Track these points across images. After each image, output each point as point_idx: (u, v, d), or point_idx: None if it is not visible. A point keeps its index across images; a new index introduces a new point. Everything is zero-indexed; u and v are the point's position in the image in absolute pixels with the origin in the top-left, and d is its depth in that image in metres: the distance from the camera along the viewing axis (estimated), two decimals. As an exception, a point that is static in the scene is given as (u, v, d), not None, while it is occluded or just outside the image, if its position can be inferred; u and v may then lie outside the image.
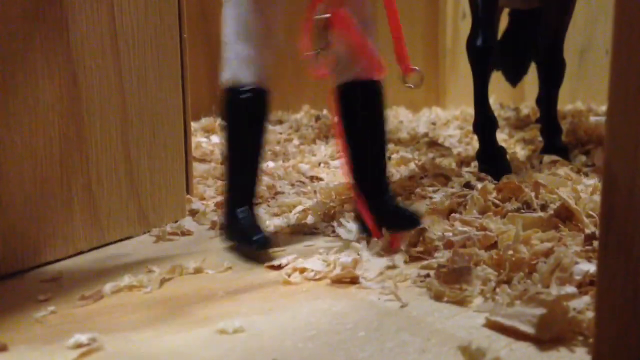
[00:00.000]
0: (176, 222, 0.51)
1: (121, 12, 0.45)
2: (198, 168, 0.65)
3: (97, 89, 0.44)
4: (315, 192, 0.57)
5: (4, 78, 0.38)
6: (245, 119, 0.43)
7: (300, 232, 0.48)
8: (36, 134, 0.40)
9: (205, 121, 0.94)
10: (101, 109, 0.45)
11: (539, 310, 0.30)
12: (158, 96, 0.49)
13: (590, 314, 0.30)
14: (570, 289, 0.31)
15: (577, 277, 0.33)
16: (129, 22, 0.46)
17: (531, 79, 0.93)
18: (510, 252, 0.38)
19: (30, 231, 0.40)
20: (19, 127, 0.39)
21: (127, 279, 0.37)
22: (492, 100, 1.12)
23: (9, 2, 0.38)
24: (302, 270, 0.39)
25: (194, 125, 0.88)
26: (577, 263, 0.34)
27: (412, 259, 0.41)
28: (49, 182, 0.41)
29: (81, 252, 0.44)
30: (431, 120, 1.05)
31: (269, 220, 0.50)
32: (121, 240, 0.47)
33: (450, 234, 0.43)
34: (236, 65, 0.42)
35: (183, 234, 0.49)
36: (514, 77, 0.92)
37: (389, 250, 0.41)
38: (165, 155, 0.50)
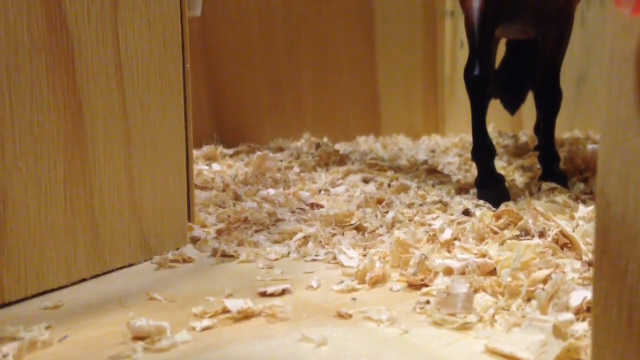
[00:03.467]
0: (177, 249, 0.51)
1: (126, 42, 0.46)
2: (199, 195, 0.66)
3: (101, 117, 0.45)
4: (315, 219, 0.58)
5: (12, 107, 0.39)
6: None
7: (301, 259, 0.49)
8: (41, 160, 0.41)
9: (206, 149, 0.95)
10: (105, 137, 0.45)
11: (538, 337, 0.30)
12: (161, 124, 0.50)
13: (588, 340, 0.30)
14: (568, 315, 0.31)
15: (575, 304, 0.33)
16: (134, 53, 0.47)
17: (529, 107, 0.95)
18: (509, 279, 0.38)
19: (34, 257, 0.41)
20: (25, 154, 0.40)
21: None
22: (491, 128, 1.14)
23: (18, 34, 0.39)
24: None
25: (195, 152, 0.89)
26: (574, 290, 0.34)
27: (412, 286, 0.42)
28: (53, 208, 0.42)
29: (83, 280, 0.44)
30: (430, 147, 1.06)
31: (270, 247, 0.51)
32: (122, 267, 0.47)
33: (450, 260, 0.43)
34: None
35: (184, 261, 0.49)
36: (512, 105, 0.93)
37: None
38: (167, 182, 0.51)
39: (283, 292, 0.41)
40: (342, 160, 0.90)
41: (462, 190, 0.69)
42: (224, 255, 0.49)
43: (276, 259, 0.49)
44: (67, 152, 0.42)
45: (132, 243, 0.48)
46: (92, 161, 0.44)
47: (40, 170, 0.41)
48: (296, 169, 0.84)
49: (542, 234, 0.47)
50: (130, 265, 0.47)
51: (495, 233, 0.48)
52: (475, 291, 0.38)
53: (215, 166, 0.86)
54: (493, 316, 0.35)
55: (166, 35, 0.50)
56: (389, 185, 0.72)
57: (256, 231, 0.56)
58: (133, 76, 0.47)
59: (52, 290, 0.42)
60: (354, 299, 0.40)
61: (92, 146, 0.44)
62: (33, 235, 0.40)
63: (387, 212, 0.58)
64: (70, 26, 0.42)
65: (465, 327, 0.34)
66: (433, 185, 0.71)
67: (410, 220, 0.55)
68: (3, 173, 0.38)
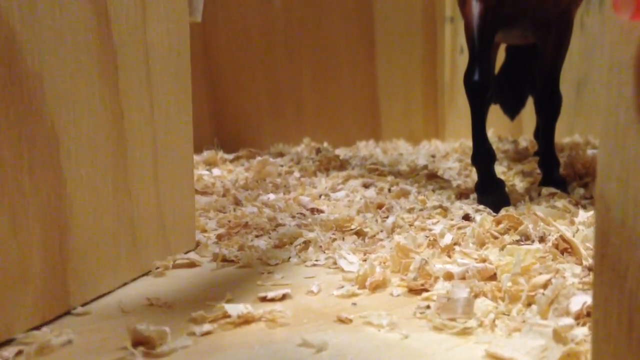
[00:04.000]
0: (186, 253, 0.51)
1: (153, 50, 0.47)
2: (200, 200, 0.66)
3: (136, 124, 0.45)
4: (316, 224, 0.58)
5: (75, 114, 0.39)
6: None
7: (301, 264, 0.49)
8: (95, 167, 0.41)
9: (207, 154, 0.95)
10: (139, 144, 0.46)
11: (538, 342, 0.30)
12: (177, 129, 0.51)
13: (588, 345, 0.30)
14: (568, 320, 0.31)
15: (575, 309, 0.33)
16: (158, 60, 0.48)
17: (529, 113, 0.95)
18: (510, 283, 0.38)
19: (91, 262, 0.41)
20: (84, 161, 0.40)
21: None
22: (491, 133, 1.14)
23: (79, 44, 0.39)
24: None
25: (196, 157, 0.89)
26: (574, 294, 0.34)
27: (413, 291, 0.42)
28: (104, 213, 0.42)
29: (125, 284, 0.44)
30: (430, 152, 1.06)
31: (270, 252, 0.51)
32: (148, 271, 0.47)
33: (450, 265, 0.43)
34: None
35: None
36: (512, 111, 0.93)
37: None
38: (182, 186, 0.52)
39: (283, 297, 0.41)
40: (342, 165, 0.90)
41: (462, 195, 0.69)
42: (224, 260, 0.50)
43: (276, 264, 0.49)
44: (114, 158, 0.43)
45: (158, 246, 0.48)
46: (131, 167, 0.45)
47: (95, 177, 0.41)
48: (296, 174, 0.84)
49: (542, 239, 0.47)
50: (157, 268, 0.48)
51: (496, 238, 0.48)
52: (476, 296, 0.38)
53: (216, 171, 0.87)
54: (493, 321, 0.35)
55: (179, 43, 0.51)
56: (389, 190, 0.72)
57: (256, 236, 0.56)
58: (158, 83, 0.48)
59: (101, 296, 0.42)
60: (354, 304, 0.40)
61: (131, 153, 0.45)
62: (90, 240, 0.41)
63: (387, 217, 0.58)
64: (114, 35, 0.43)
65: (465, 332, 0.34)
66: (433, 190, 0.71)
67: (410, 225, 0.55)
68: (69, 179, 0.39)
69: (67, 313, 0.39)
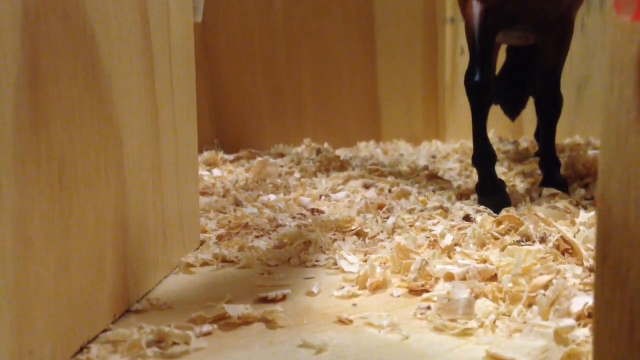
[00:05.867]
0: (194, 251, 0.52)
1: (175, 53, 0.47)
2: (200, 201, 0.66)
3: (167, 123, 0.46)
4: (316, 224, 0.58)
5: (125, 122, 0.39)
6: None
7: (301, 264, 0.49)
8: (142, 166, 0.41)
9: (207, 154, 0.95)
10: (167, 143, 0.46)
11: (539, 343, 0.30)
12: (187, 130, 0.51)
13: (589, 346, 0.30)
14: (569, 321, 0.31)
15: (576, 310, 0.33)
16: (177, 63, 0.48)
17: (529, 113, 0.95)
18: (510, 284, 0.38)
19: (140, 262, 0.41)
20: (135, 161, 0.40)
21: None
22: (491, 134, 1.14)
23: (132, 45, 0.39)
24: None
25: (196, 158, 0.89)
26: (575, 295, 0.34)
27: (413, 291, 0.42)
28: (148, 213, 0.42)
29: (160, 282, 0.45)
30: (431, 153, 1.06)
31: (270, 253, 0.51)
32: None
33: (451, 266, 0.43)
34: None
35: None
36: (513, 111, 0.93)
37: None
38: (193, 185, 0.52)
39: (283, 297, 0.41)
40: (342, 166, 0.90)
41: (462, 195, 0.69)
42: (224, 260, 0.49)
43: (276, 265, 0.49)
44: (153, 159, 0.43)
45: (179, 245, 0.49)
46: (163, 167, 0.45)
47: (141, 176, 0.41)
48: (297, 175, 0.84)
49: (543, 240, 0.47)
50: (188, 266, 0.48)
51: (496, 239, 0.48)
52: (476, 297, 0.38)
53: (216, 172, 0.87)
54: (494, 322, 0.35)
55: (189, 44, 0.51)
56: (389, 191, 0.72)
57: (257, 237, 0.56)
58: (177, 84, 0.48)
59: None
60: (354, 304, 0.40)
61: (163, 152, 0.45)
62: (139, 239, 0.41)
63: (387, 218, 0.58)
64: (152, 35, 0.43)
65: (466, 332, 0.34)
66: (434, 191, 0.71)
67: (410, 226, 0.55)
68: (127, 179, 0.39)
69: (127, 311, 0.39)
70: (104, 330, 0.35)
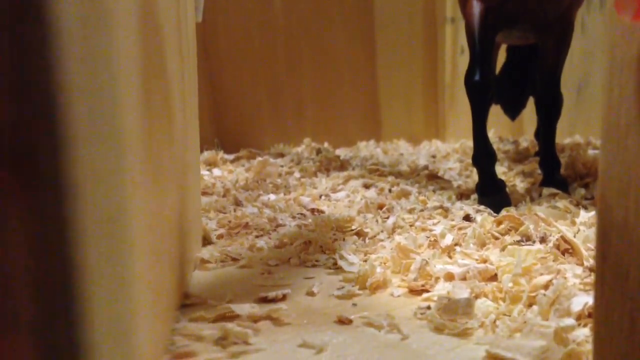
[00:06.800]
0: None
1: (186, 55, 0.48)
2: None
3: (188, 124, 0.47)
4: (316, 224, 0.58)
5: (185, 118, 0.40)
6: None
7: (301, 264, 0.49)
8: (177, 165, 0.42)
9: (207, 154, 0.95)
10: (184, 142, 0.47)
11: (539, 343, 0.30)
12: (194, 127, 0.51)
13: (589, 346, 0.30)
14: (569, 321, 0.31)
15: (576, 309, 0.33)
16: (187, 64, 0.48)
17: (530, 113, 0.95)
18: (510, 284, 0.38)
19: (184, 259, 0.41)
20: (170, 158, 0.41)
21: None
22: (491, 134, 1.14)
23: (183, 48, 0.40)
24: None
25: (196, 158, 0.89)
26: (576, 295, 0.34)
27: (413, 291, 0.42)
28: (173, 212, 0.42)
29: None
30: (431, 153, 1.06)
31: (270, 253, 0.51)
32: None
33: (451, 266, 0.43)
34: None
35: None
36: (513, 111, 0.93)
37: None
38: (198, 184, 0.53)
39: (283, 297, 0.41)
40: (342, 165, 0.90)
41: (462, 195, 0.69)
42: (232, 259, 0.49)
43: (276, 265, 0.49)
44: (182, 156, 0.43)
45: (191, 243, 0.49)
46: (187, 164, 0.46)
47: (180, 178, 0.42)
48: (297, 175, 0.84)
49: (543, 240, 0.47)
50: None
51: (496, 238, 0.48)
52: (477, 297, 0.38)
53: (216, 171, 0.87)
54: (494, 322, 0.35)
55: (193, 43, 0.52)
56: (389, 191, 0.72)
57: (257, 236, 0.56)
58: (187, 86, 0.48)
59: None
60: (354, 304, 0.40)
61: (188, 153, 0.46)
62: (185, 238, 0.41)
63: (387, 218, 0.58)
64: (182, 37, 0.43)
65: (466, 332, 0.34)
66: (434, 191, 0.71)
67: (411, 226, 0.55)
68: (172, 180, 0.39)
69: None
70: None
